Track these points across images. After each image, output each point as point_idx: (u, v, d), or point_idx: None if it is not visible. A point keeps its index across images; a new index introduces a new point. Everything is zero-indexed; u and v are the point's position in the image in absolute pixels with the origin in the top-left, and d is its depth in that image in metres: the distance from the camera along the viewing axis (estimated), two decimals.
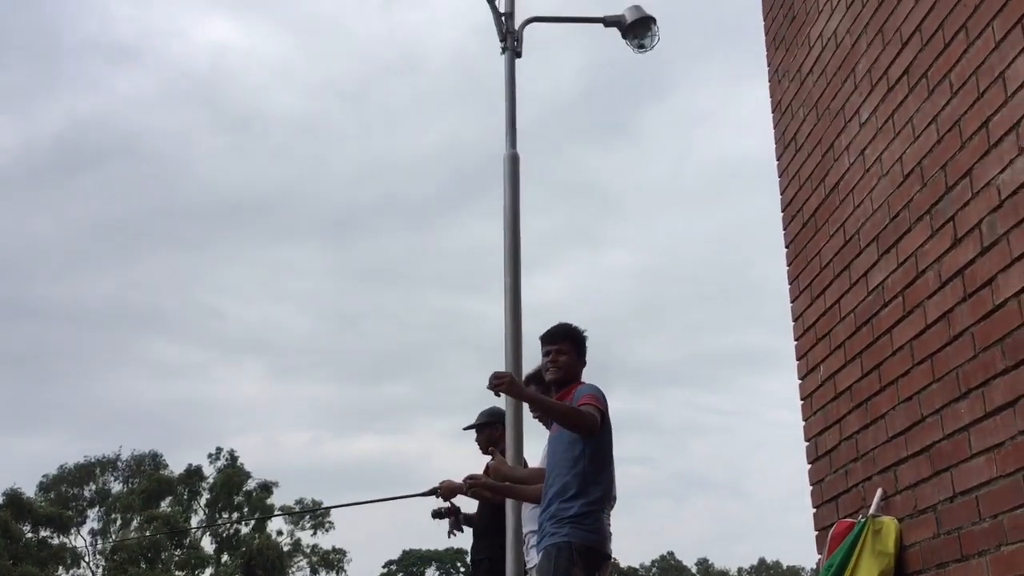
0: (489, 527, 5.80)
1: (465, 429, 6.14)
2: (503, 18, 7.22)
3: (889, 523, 3.58)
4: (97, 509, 48.93)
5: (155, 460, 50.68)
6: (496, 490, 4.85)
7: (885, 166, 3.83)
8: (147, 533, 45.87)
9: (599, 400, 4.12)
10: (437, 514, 6.00)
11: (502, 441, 5.88)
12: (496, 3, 7.29)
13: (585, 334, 4.44)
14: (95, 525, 48.59)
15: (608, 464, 4.16)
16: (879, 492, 3.71)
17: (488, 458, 5.97)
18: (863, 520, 3.64)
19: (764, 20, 5.38)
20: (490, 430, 6.04)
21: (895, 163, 3.75)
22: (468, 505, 5.97)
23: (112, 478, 50.28)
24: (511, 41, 7.16)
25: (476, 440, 6.11)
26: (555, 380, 4.33)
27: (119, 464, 50.32)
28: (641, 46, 7.44)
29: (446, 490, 5.84)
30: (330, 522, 52.07)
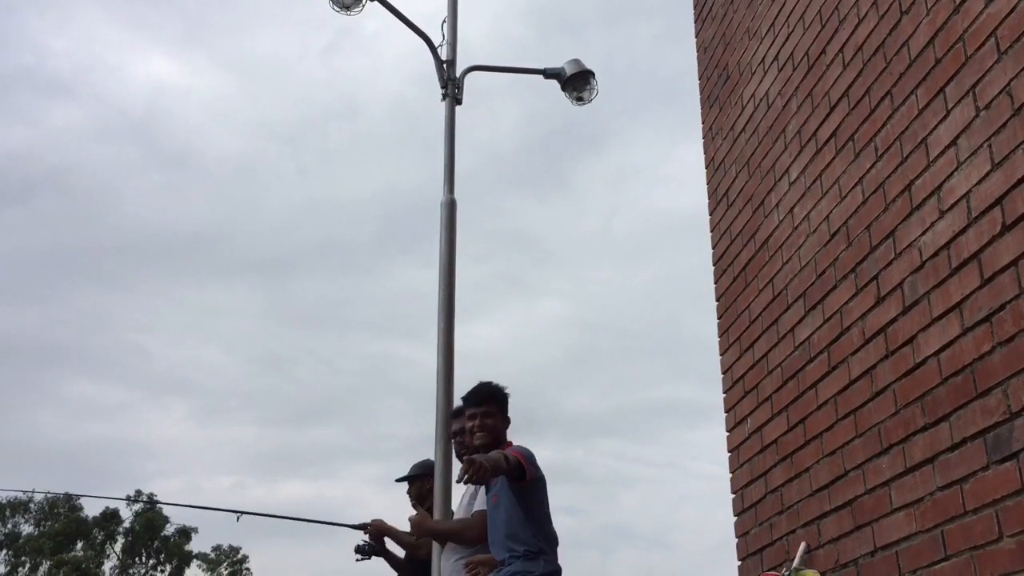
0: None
1: (397, 481, 6.06)
2: (445, 65, 7.29)
3: None
4: (4, 552, 46.98)
5: (69, 502, 48.94)
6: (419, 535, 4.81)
7: (813, 224, 3.93)
8: None
9: (530, 457, 4.01)
10: (360, 550, 5.88)
11: (431, 495, 5.83)
12: (438, 51, 7.36)
13: (507, 391, 4.34)
14: (2, 568, 46.57)
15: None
16: (803, 545, 3.74)
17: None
18: (786, 573, 3.67)
19: (699, 79, 5.52)
20: (421, 482, 5.97)
21: (822, 222, 3.85)
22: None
23: (23, 520, 48.40)
24: (452, 88, 7.22)
25: (408, 492, 6.02)
26: (484, 445, 4.16)
27: (31, 506, 48.49)
28: (580, 98, 7.56)
29: (375, 529, 5.74)
30: (248, 569, 50.73)
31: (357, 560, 5.88)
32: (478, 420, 4.23)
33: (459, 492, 4.67)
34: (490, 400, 4.28)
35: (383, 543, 5.83)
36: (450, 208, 6.81)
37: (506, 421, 4.30)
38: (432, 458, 5.69)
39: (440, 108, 7.30)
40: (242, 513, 6.46)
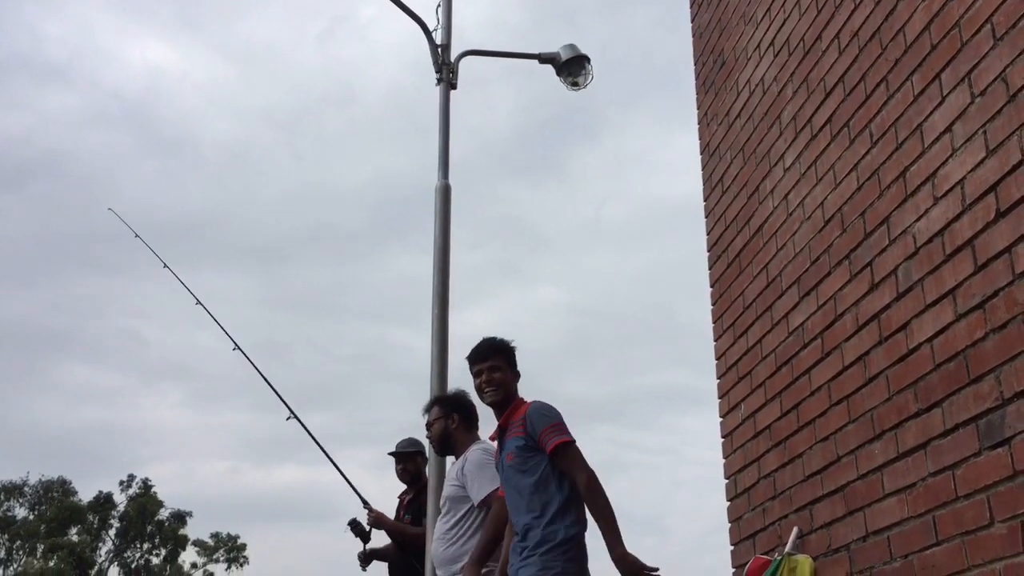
0: (409, 568, 5.73)
1: (390, 454, 6.06)
2: (439, 50, 7.27)
3: (804, 561, 3.63)
4: (0, 536, 47.01)
5: (63, 487, 48.98)
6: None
7: (807, 211, 3.93)
8: (51, 562, 44.21)
9: (560, 423, 3.77)
10: (355, 526, 5.90)
11: (424, 474, 5.84)
12: (433, 35, 7.34)
13: (513, 345, 4.12)
14: None
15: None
16: (795, 530, 3.76)
17: (403, 486, 5.93)
18: (779, 558, 3.69)
19: (695, 65, 5.50)
20: (416, 460, 5.96)
21: (817, 208, 3.85)
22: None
23: (18, 504, 48.43)
24: (446, 73, 7.21)
25: (397, 469, 6.01)
26: (495, 401, 3.99)
27: (26, 490, 48.51)
28: (575, 83, 7.55)
29: (376, 518, 5.77)
30: (245, 557, 50.84)
31: (344, 530, 5.90)
32: (485, 375, 4.00)
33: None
34: (496, 352, 4.04)
35: (368, 538, 5.85)
36: (445, 194, 6.80)
37: (516, 375, 4.05)
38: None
39: (435, 93, 7.29)
40: (291, 415, 6.44)
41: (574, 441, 3.71)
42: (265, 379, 6.58)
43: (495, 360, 4.01)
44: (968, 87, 2.96)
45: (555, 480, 3.68)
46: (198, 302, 7.26)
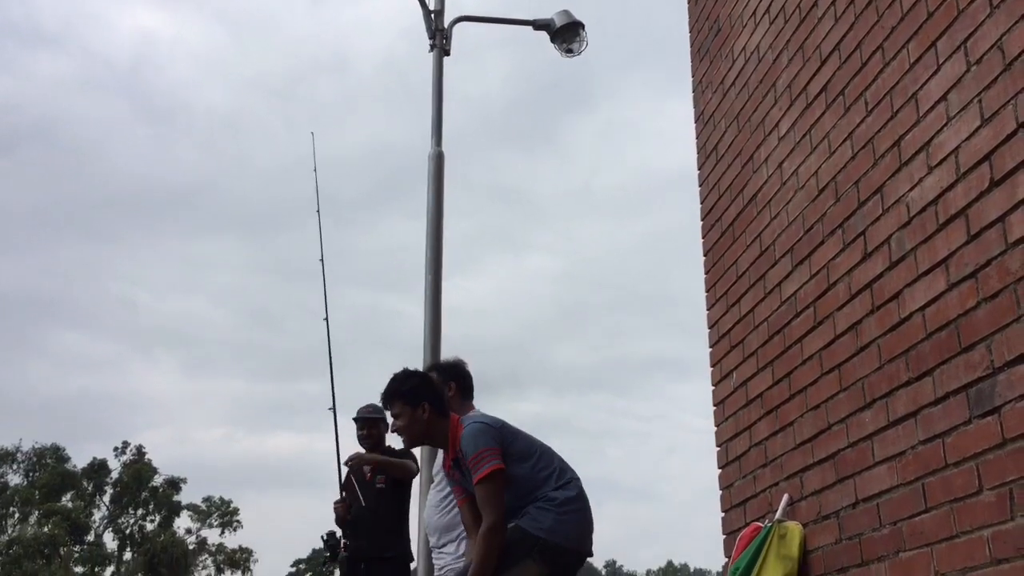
0: (395, 526, 5.77)
1: (353, 419, 6.00)
2: (433, 15, 7.21)
3: (794, 528, 3.67)
4: None
5: (57, 453, 49.11)
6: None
7: (801, 179, 3.92)
8: (46, 528, 44.40)
9: (482, 453, 3.69)
10: (330, 545, 5.90)
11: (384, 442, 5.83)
12: (427, 1, 7.27)
13: (416, 375, 3.98)
14: None
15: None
16: (785, 497, 3.79)
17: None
18: (769, 525, 3.72)
19: (690, 32, 5.46)
20: (379, 426, 5.93)
21: (811, 177, 3.84)
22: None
23: (11, 470, 48.57)
24: (440, 39, 7.15)
25: (360, 435, 5.96)
26: (409, 447, 4.02)
27: (19, 456, 48.63)
28: (569, 50, 7.50)
29: (356, 460, 5.80)
30: (238, 521, 51.17)
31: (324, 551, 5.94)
32: (393, 425, 3.97)
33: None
34: (392, 400, 3.92)
35: (337, 553, 5.85)
36: (438, 161, 6.78)
37: (429, 407, 3.86)
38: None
39: (429, 60, 7.23)
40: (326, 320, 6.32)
41: (494, 472, 3.65)
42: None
43: (394, 408, 3.93)
44: (964, 55, 2.95)
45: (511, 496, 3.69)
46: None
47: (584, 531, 3.78)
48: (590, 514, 3.84)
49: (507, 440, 3.79)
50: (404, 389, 3.90)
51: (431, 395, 3.91)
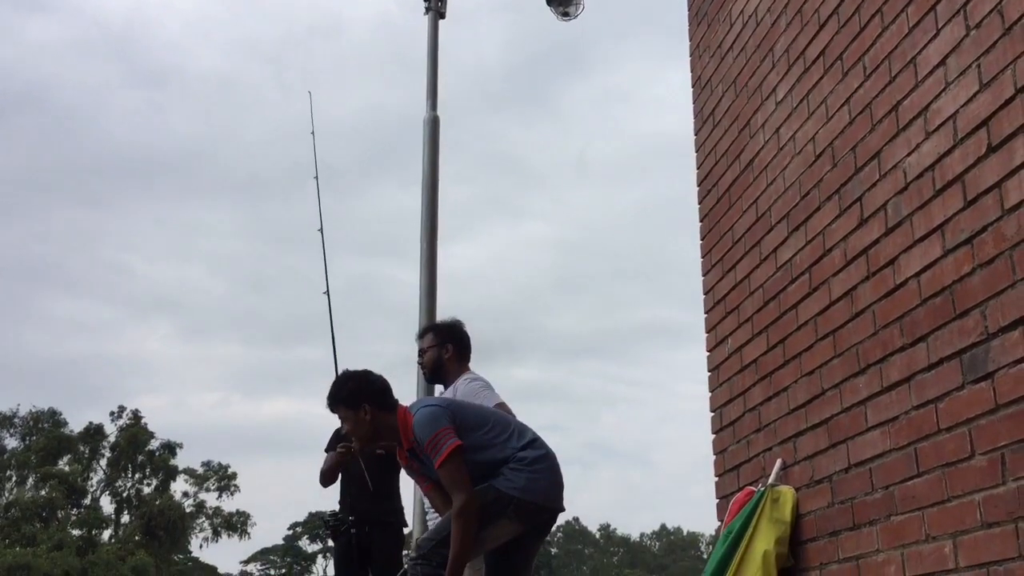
0: (392, 491, 5.81)
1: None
2: None
3: (787, 492, 3.70)
4: None
5: (54, 418, 49.27)
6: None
7: (798, 145, 3.91)
8: (43, 491, 44.64)
9: (436, 436, 3.69)
10: (330, 525, 5.89)
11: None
12: None
13: (354, 378, 3.94)
14: None
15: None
16: (779, 462, 3.82)
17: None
18: (762, 489, 3.75)
19: None
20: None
21: (808, 143, 3.83)
22: None
23: (8, 434, 48.74)
24: (435, 1, 7.08)
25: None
26: (363, 445, 4.01)
27: (16, 421, 48.77)
28: (565, 14, 7.44)
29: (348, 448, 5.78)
30: (236, 485, 51.48)
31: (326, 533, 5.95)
32: (341, 429, 4.01)
33: None
34: (336, 406, 3.93)
35: (338, 533, 5.84)
36: (433, 125, 6.74)
37: (370, 408, 3.86)
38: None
39: (423, 23, 7.16)
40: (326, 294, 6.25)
41: (453, 451, 3.66)
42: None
43: (339, 412, 3.94)
44: (964, 19, 2.92)
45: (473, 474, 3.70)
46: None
47: (555, 488, 3.90)
48: (559, 471, 3.95)
49: (457, 415, 3.82)
50: (342, 395, 3.90)
51: (369, 395, 3.90)
